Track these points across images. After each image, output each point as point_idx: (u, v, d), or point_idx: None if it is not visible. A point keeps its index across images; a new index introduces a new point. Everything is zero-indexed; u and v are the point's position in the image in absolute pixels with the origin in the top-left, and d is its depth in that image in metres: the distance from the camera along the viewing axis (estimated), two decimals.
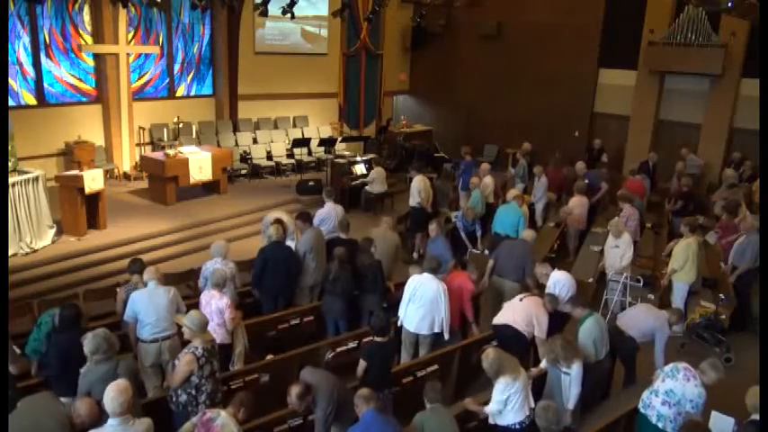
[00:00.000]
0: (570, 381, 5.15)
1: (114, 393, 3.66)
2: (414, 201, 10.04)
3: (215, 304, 5.74)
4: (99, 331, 4.49)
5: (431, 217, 9.67)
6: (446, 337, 6.23)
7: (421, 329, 6.22)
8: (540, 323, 5.97)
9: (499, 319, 6.15)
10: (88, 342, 4.39)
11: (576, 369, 5.12)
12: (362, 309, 6.94)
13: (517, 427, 4.69)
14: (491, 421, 4.81)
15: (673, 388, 4.76)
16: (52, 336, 5.10)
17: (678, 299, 7.70)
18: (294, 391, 4.53)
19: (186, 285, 7.51)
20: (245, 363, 5.97)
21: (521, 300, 6.21)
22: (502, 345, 6.08)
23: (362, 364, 5.16)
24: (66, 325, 4.97)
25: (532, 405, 4.74)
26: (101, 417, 3.94)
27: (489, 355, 4.77)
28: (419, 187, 9.98)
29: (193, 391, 4.61)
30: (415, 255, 9.66)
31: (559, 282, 6.58)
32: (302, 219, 7.51)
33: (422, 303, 6.14)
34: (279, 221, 7.60)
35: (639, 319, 6.19)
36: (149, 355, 5.52)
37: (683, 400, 4.69)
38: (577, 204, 9.93)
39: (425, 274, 6.22)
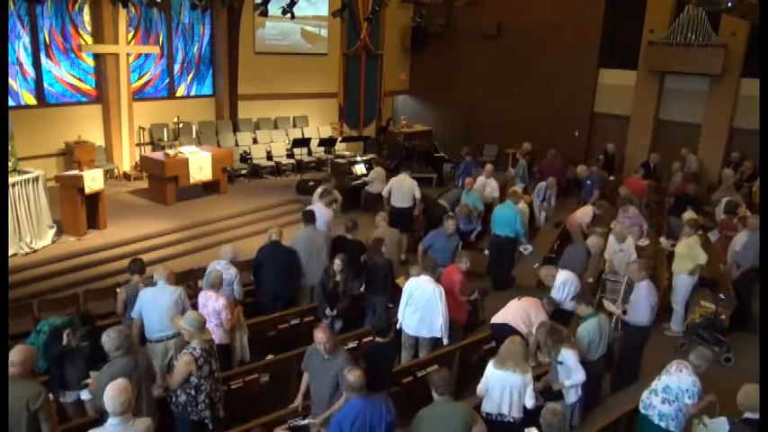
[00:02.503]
0: (567, 370, 5.07)
1: (114, 393, 3.63)
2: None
3: (212, 306, 5.75)
4: (120, 328, 4.51)
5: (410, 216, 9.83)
6: (445, 341, 6.21)
7: (420, 332, 6.22)
8: (536, 321, 5.98)
9: (497, 318, 6.18)
10: (107, 340, 4.36)
11: (566, 356, 5.04)
12: (368, 308, 6.97)
13: (485, 416, 4.74)
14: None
15: (668, 383, 4.78)
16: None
17: (681, 295, 7.71)
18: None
19: (186, 285, 7.51)
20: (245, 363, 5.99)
21: (519, 299, 6.22)
22: (500, 343, 6.09)
23: (361, 364, 5.14)
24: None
25: (504, 411, 4.74)
26: (33, 368, 4.10)
27: (514, 341, 4.84)
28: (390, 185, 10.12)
29: (192, 392, 4.61)
30: (402, 256, 9.52)
31: (567, 281, 6.57)
32: (303, 217, 7.52)
33: (418, 306, 6.14)
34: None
35: None
36: (156, 355, 5.53)
37: (679, 393, 4.71)
38: (579, 209, 9.98)
39: (422, 277, 6.21)
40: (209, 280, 5.93)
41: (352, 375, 4.14)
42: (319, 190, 9.05)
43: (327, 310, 6.60)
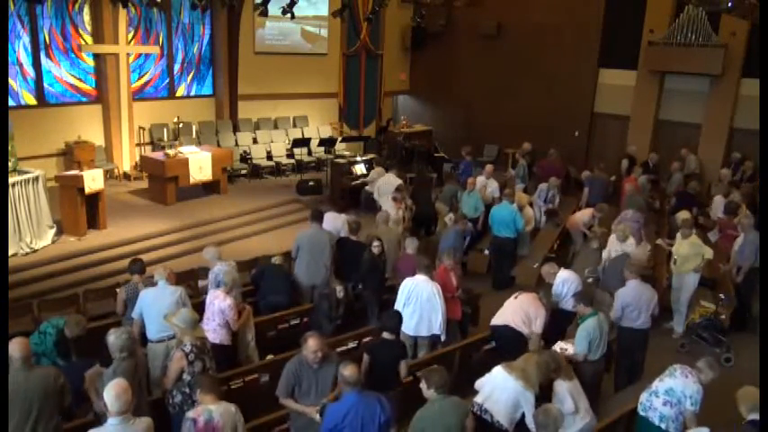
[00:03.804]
0: (558, 401, 4.88)
1: (117, 392, 3.64)
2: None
3: (218, 305, 5.73)
4: (123, 330, 4.52)
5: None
6: (443, 338, 6.21)
7: (420, 332, 6.21)
8: (535, 318, 6.00)
9: (497, 320, 6.19)
10: (114, 341, 4.37)
11: (556, 385, 4.87)
12: (368, 307, 7.04)
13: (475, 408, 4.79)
14: None
15: (672, 386, 4.76)
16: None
17: (685, 296, 7.71)
18: None
19: (187, 285, 7.50)
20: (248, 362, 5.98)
21: (515, 297, 6.23)
22: (500, 345, 6.09)
23: (366, 359, 5.07)
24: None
25: (487, 405, 4.74)
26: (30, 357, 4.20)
27: (532, 357, 4.84)
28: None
29: (187, 390, 4.61)
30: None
31: (567, 280, 6.58)
32: (311, 215, 7.61)
33: (417, 306, 6.13)
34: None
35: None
36: (158, 355, 5.52)
37: (682, 397, 4.70)
38: (580, 210, 10.01)
39: (418, 276, 6.19)
40: (225, 281, 5.92)
41: (348, 370, 4.13)
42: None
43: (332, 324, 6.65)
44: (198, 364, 4.63)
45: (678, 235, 8.08)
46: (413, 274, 6.30)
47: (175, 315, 4.85)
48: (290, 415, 4.74)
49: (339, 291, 6.66)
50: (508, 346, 5.88)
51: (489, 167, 10.91)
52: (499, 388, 4.72)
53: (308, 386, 4.52)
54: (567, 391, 4.90)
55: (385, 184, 10.21)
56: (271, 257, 7.39)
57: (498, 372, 4.78)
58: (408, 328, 6.23)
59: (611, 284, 7.13)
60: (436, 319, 6.13)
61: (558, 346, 5.65)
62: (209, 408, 3.85)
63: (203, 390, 3.99)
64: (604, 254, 8.19)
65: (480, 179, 10.53)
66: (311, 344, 4.43)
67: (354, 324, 6.86)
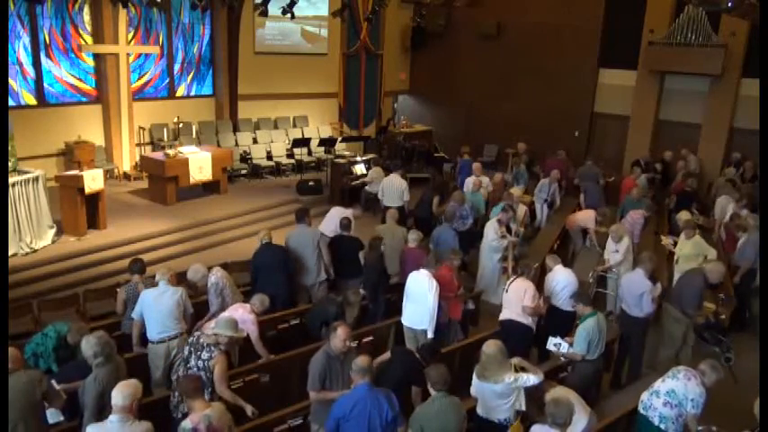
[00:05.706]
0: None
1: (122, 387, 3.74)
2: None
3: (240, 314, 5.63)
4: (98, 334, 4.51)
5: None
6: (429, 334, 6.18)
7: (414, 324, 6.30)
8: (525, 296, 6.16)
9: (502, 315, 6.36)
10: (86, 348, 4.38)
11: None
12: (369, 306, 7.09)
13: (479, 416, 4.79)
14: None
15: (674, 388, 4.75)
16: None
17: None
18: None
19: (186, 285, 7.49)
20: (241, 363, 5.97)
21: (506, 291, 6.37)
22: (507, 339, 6.10)
23: (387, 355, 5.21)
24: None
25: (489, 415, 4.72)
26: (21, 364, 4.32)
27: (489, 346, 4.77)
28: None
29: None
30: None
31: (559, 279, 6.59)
32: (296, 215, 7.59)
33: (414, 298, 6.25)
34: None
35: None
36: (159, 355, 5.52)
37: (684, 399, 4.69)
38: (581, 211, 10.04)
39: (422, 270, 6.28)
40: (257, 303, 5.89)
41: (360, 359, 4.21)
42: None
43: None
44: (186, 349, 4.74)
45: (682, 235, 8.08)
46: (415, 267, 6.40)
47: (215, 325, 4.86)
48: (312, 410, 4.78)
49: (353, 298, 6.53)
50: (515, 339, 5.96)
51: (476, 165, 10.90)
52: (485, 395, 4.75)
53: (336, 376, 4.63)
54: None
55: (389, 186, 10.21)
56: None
57: (475, 382, 4.79)
58: (406, 319, 6.39)
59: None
60: (425, 315, 6.16)
61: (552, 342, 5.67)
62: (206, 413, 3.82)
63: (189, 395, 3.92)
64: (605, 254, 8.22)
65: (473, 179, 10.43)
66: (341, 333, 4.52)
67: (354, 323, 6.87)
